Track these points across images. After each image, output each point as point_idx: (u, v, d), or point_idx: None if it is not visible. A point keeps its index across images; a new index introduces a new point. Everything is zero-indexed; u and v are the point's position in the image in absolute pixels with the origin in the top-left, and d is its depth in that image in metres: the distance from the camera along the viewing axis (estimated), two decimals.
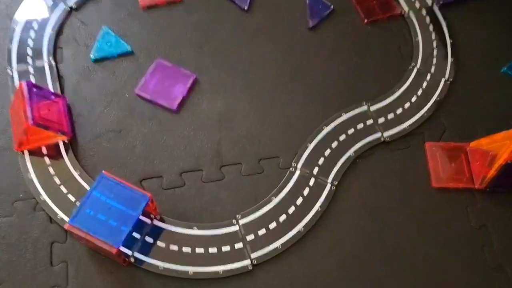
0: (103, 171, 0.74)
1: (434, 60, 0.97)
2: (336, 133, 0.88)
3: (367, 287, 0.77)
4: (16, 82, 0.89)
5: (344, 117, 0.90)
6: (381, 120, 0.90)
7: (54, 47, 0.93)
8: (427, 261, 0.79)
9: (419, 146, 0.89)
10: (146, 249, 0.76)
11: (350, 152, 0.87)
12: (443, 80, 0.94)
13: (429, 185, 0.85)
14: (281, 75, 0.94)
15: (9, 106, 0.87)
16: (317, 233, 0.80)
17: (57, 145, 0.83)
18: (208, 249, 0.77)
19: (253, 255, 0.77)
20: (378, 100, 0.92)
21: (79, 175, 0.82)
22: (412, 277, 0.77)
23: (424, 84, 0.95)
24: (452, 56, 0.97)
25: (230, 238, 0.78)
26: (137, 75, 0.92)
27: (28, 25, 0.94)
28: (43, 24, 0.95)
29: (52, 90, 0.88)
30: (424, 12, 1.01)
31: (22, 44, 0.92)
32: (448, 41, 0.98)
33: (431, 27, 1.00)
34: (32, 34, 0.94)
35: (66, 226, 0.71)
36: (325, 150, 0.87)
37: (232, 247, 0.77)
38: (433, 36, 0.99)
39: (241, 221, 0.80)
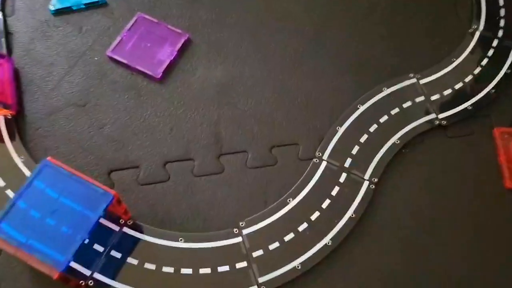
0: (48, 157, 0.66)
1: (502, 22, 0.92)
2: (376, 114, 0.83)
3: None
4: None
5: (386, 92, 0.85)
6: (434, 97, 0.85)
7: None
8: None
9: (485, 132, 0.83)
10: (112, 268, 0.69)
11: (394, 139, 0.81)
12: None
13: (500, 184, 0.79)
14: (302, 35, 0.90)
15: None
16: (350, 247, 0.73)
17: None
18: (198, 270, 0.69)
19: (261, 279, 0.69)
20: (430, 72, 0.87)
21: (23, 163, 0.75)
22: None
23: (490, 52, 0.89)
24: None
25: (230, 254, 0.71)
26: (111, 33, 0.88)
27: None
28: None
29: None
30: None
31: None
32: None
33: None
34: None
35: None
36: (361, 136, 0.81)
37: (233, 267, 0.70)
38: None
39: (246, 231, 0.73)
